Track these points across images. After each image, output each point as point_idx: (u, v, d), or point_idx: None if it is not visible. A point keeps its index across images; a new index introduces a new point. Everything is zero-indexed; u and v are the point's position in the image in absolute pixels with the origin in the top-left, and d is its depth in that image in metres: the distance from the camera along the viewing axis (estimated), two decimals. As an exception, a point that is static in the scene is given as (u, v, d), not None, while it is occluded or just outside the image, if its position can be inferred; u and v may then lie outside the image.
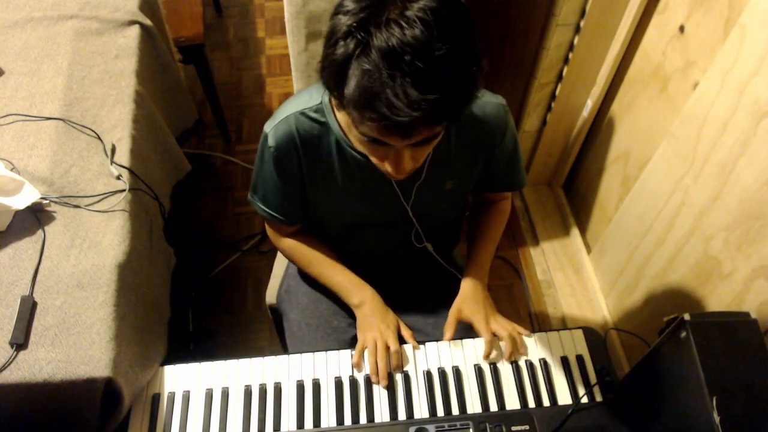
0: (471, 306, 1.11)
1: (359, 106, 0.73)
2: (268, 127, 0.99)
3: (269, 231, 1.19)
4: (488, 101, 1.01)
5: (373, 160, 0.87)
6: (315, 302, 1.24)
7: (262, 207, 1.09)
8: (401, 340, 1.09)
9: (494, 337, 1.08)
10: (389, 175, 0.87)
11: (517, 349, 1.07)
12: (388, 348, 1.06)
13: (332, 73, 0.75)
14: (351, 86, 0.72)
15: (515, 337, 1.07)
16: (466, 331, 1.14)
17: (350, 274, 1.15)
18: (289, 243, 1.17)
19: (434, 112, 0.71)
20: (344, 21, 0.72)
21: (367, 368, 1.05)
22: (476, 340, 1.10)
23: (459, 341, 1.10)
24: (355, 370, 1.05)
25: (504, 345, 1.08)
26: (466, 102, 0.77)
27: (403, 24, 0.68)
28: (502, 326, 1.09)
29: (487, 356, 1.07)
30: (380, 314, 1.10)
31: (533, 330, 1.12)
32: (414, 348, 1.08)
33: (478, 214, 1.24)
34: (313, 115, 0.97)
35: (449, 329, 1.10)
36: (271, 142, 0.98)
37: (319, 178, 1.02)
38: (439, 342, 1.09)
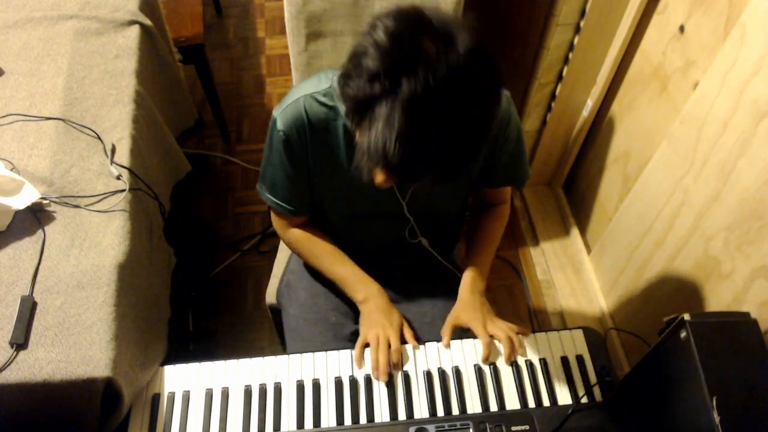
0: (468, 312, 1.11)
1: (366, 155, 0.74)
2: (277, 111, 0.99)
3: (276, 222, 1.18)
4: None
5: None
6: (314, 297, 1.24)
7: (270, 197, 1.09)
8: (403, 340, 1.09)
9: (492, 339, 1.08)
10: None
11: (514, 351, 1.07)
12: (389, 345, 1.06)
13: (350, 102, 0.76)
14: (365, 140, 0.73)
15: (513, 339, 1.07)
16: (465, 331, 1.14)
17: (356, 269, 1.14)
18: (295, 235, 1.16)
19: (433, 179, 0.75)
20: (373, 55, 0.71)
21: (367, 365, 1.05)
22: (476, 340, 1.09)
23: (459, 341, 1.10)
24: (355, 370, 1.05)
25: (502, 347, 1.08)
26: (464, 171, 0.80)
27: (431, 78, 0.68)
28: (500, 329, 1.08)
29: (485, 359, 1.06)
30: (384, 311, 1.10)
31: (533, 330, 1.12)
32: (414, 348, 1.08)
33: (477, 218, 1.24)
34: (322, 99, 0.97)
35: (446, 335, 1.10)
36: (280, 125, 0.98)
37: (324, 162, 1.03)
38: (439, 342, 1.09)
